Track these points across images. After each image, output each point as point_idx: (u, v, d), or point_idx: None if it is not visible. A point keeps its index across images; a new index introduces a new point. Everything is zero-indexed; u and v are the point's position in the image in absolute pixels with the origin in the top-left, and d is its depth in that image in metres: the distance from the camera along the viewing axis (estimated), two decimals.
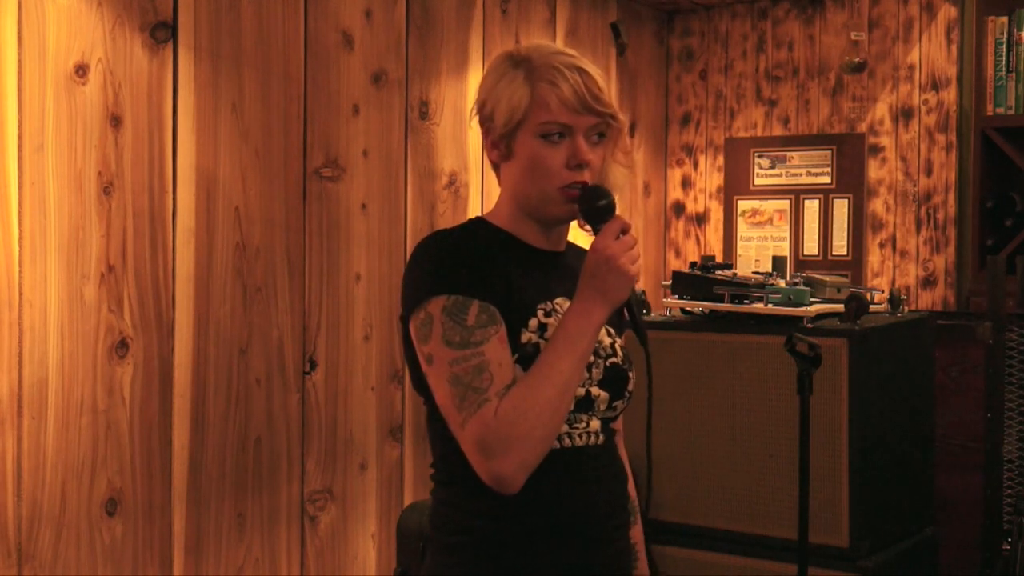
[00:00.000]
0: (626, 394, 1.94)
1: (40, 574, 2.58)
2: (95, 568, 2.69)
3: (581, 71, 1.85)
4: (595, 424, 1.89)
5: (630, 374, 1.95)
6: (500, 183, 1.96)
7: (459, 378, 1.74)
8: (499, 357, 1.76)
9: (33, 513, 2.57)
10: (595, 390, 1.86)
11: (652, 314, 3.69)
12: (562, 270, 1.94)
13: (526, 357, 1.79)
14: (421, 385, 1.87)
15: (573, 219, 1.90)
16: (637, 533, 2.08)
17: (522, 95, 1.85)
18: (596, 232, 1.83)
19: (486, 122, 1.89)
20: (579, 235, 2.04)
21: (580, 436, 1.86)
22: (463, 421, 1.74)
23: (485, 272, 1.81)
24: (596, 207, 1.84)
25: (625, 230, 1.82)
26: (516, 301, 1.82)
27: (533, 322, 1.83)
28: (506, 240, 1.90)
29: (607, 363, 1.89)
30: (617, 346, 1.94)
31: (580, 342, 1.77)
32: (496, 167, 1.95)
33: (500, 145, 1.89)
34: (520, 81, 1.86)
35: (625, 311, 1.87)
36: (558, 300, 1.88)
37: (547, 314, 1.85)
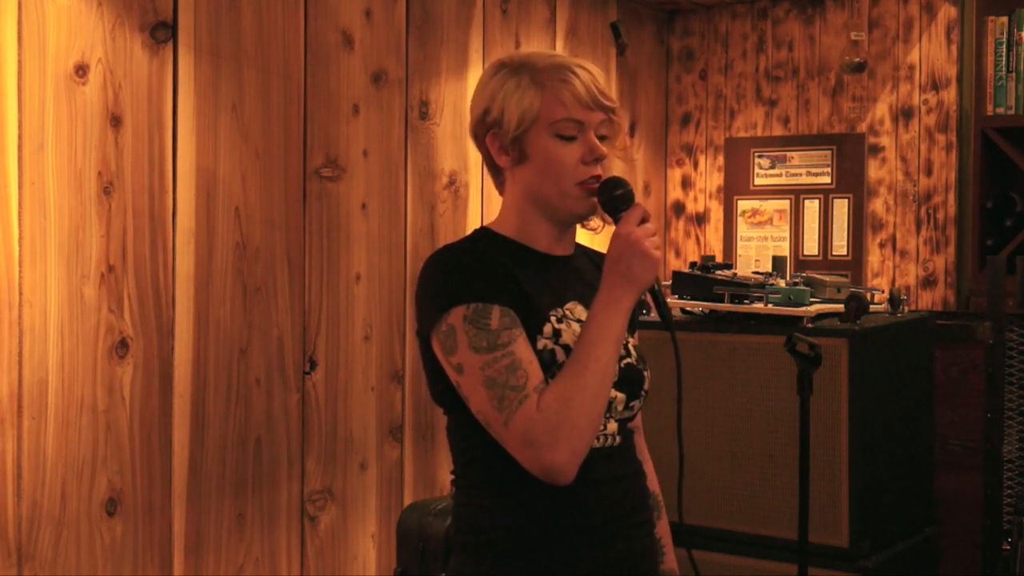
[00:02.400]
0: (642, 393, 1.96)
1: (40, 574, 2.58)
2: (95, 568, 2.69)
3: (586, 69, 1.90)
4: (612, 426, 1.90)
5: (645, 373, 1.96)
6: (504, 192, 1.97)
7: (494, 380, 1.76)
8: (529, 355, 1.78)
9: (33, 513, 2.57)
10: (612, 391, 1.86)
11: (652, 314, 3.69)
12: (572, 274, 1.96)
13: (542, 364, 1.80)
14: (442, 397, 1.89)
15: (592, 214, 1.92)
16: (663, 528, 2.11)
17: (533, 96, 1.87)
18: (616, 221, 1.85)
19: (492, 128, 1.91)
20: (583, 237, 2.05)
21: (598, 439, 1.87)
22: (506, 420, 1.75)
23: (498, 278, 1.83)
24: (614, 196, 1.86)
25: (646, 218, 1.84)
26: (530, 308, 1.84)
27: (548, 328, 1.84)
28: (514, 248, 1.92)
29: (622, 363, 1.90)
30: (631, 345, 1.96)
31: (612, 328, 1.78)
32: (500, 174, 1.96)
33: (511, 149, 1.90)
34: (527, 83, 1.88)
35: (650, 297, 1.88)
36: (569, 305, 1.90)
37: (559, 320, 1.87)
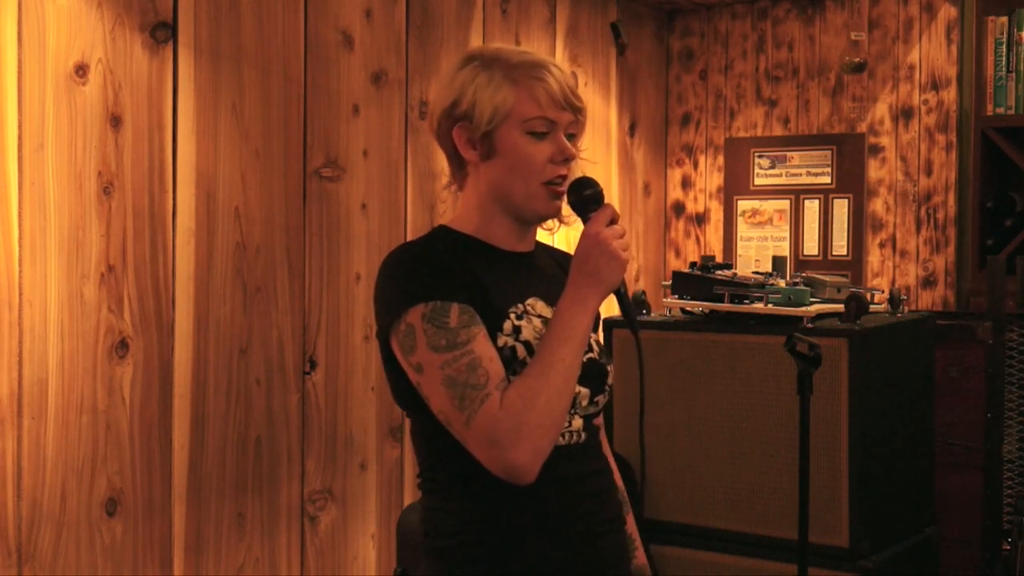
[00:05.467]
0: (606, 388, 1.95)
1: (40, 574, 2.58)
2: (95, 568, 2.69)
3: (559, 69, 1.91)
4: (577, 422, 1.90)
5: (608, 368, 1.96)
6: (464, 186, 1.96)
7: (454, 379, 1.74)
8: (489, 352, 1.77)
9: (33, 513, 2.57)
10: (575, 387, 1.86)
11: (652, 314, 3.70)
12: (533, 270, 1.96)
13: (503, 361, 1.79)
14: (404, 398, 1.88)
15: (556, 215, 1.93)
16: (631, 524, 2.09)
17: (507, 91, 1.86)
18: (585, 221, 1.85)
19: (461, 120, 1.89)
20: (544, 237, 2.06)
21: (563, 436, 1.86)
22: (467, 419, 1.73)
23: (456, 276, 1.82)
24: (584, 196, 1.87)
25: (615, 219, 1.84)
26: (488, 305, 1.83)
27: (507, 325, 1.84)
28: (473, 245, 1.91)
29: (584, 359, 1.88)
30: (593, 341, 1.95)
31: (578, 328, 1.78)
32: (462, 169, 1.95)
33: (480, 144, 1.89)
34: (500, 78, 1.87)
35: (616, 298, 1.88)
36: (529, 301, 1.89)
37: (519, 316, 1.86)
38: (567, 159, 1.88)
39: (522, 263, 1.94)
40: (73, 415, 2.64)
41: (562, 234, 2.05)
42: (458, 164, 1.95)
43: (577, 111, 1.90)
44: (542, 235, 2.03)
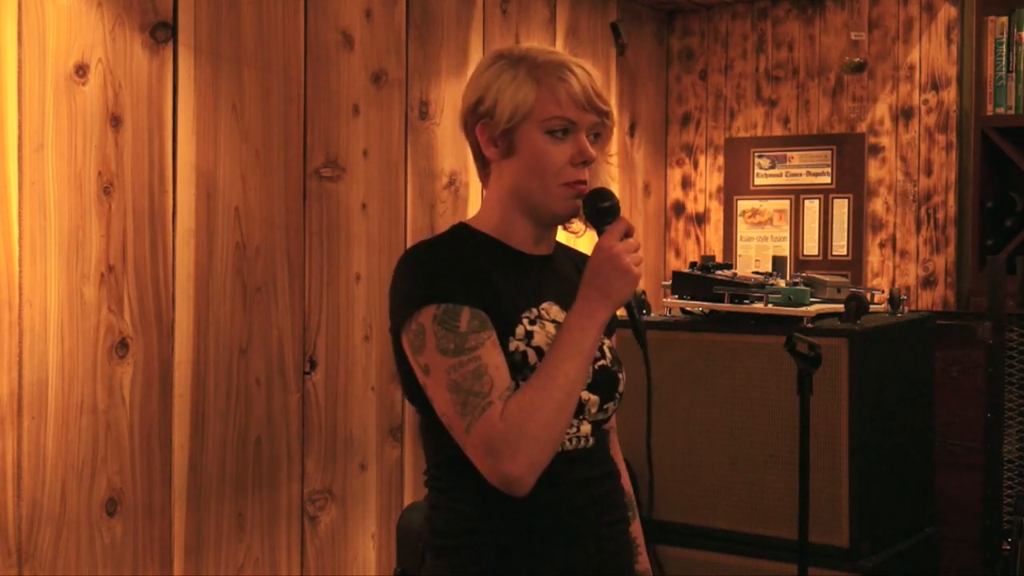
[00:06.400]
0: (616, 396, 1.95)
1: (40, 574, 2.58)
2: (95, 568, 2.69)
3: (584, 69, 1.89)
4: (585, 428, 1.89)
5: (620, 376, 1.95)
6: (488, 184, 1.95)
7: (458, 384, 1.75)
8: (496, 361, 1.77)
9: (33, 513, 2.57)
10: (585, 394, 1.86)
11: (652, 314, 3.70)
12: (550, 274, 1.95)
13: (514, 365, 1.79)
14: (414, 395, 1.88)
15: (573, 217, 1.91)
16: (636, 528, 2.09)
17: (528, 90, 1.86)
18: (600, 233, 1.84)
19: (483, 118, 1.89)
20: (563, 237, 2.05)
21: (570, 440, 1.86)
22: (467, 426, 1.74)
23: (471, 279, 1.82)
24: (600, 208, 1.85)
25: (629, 232, 1.83)
26: (502, 308, 1.82)
27: (520, 330, 1.83)
28: (491, 245, 1.90)
29: (596, 366, 1.89)
30: (606, 348, 1.94)
31: (584, 342, 1.77)
32: (486, 167, 1.94)
33: (500, 141, 1.88)
34: (523, 77, 1.87)
35: (626, 312, 1.88)
36: (544, 305, 1.89)
37: (532, 321, 1.85)
38: (586, 161, 1.86)
39: (539, 266, 1.93)
40: (73, 415, 2.65)
41: (585, 238, 2.03)
42: (483, 162, 1.95)
43: (602, 114, 1.88)
44: (569, 239, 2.02)
